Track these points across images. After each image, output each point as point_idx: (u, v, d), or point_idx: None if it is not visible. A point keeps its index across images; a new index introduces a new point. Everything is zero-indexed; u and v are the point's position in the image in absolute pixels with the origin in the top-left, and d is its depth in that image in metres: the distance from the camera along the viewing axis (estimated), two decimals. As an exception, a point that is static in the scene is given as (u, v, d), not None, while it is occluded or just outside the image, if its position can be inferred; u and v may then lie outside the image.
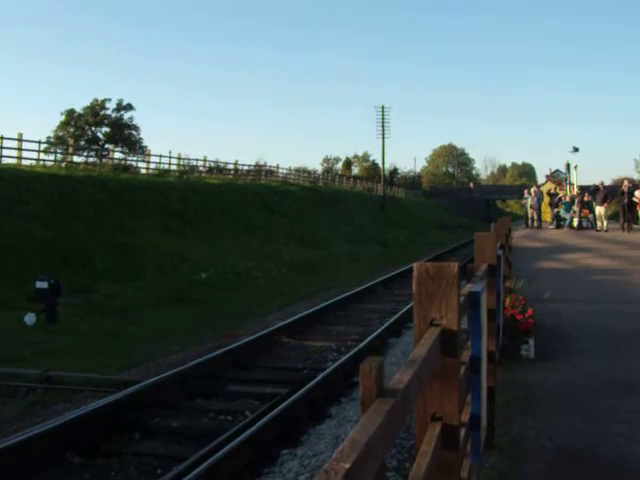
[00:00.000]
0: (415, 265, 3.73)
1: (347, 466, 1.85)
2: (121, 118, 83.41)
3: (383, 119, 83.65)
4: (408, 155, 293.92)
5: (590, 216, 38.45)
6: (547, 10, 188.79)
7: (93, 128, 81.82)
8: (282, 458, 7.67)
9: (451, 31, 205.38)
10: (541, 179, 77.31)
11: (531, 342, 10.41)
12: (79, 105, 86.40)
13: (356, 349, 12.87)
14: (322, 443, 7.81)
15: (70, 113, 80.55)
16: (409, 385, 2.62)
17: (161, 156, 50.08)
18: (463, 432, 4.22)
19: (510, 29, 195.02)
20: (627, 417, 7.63)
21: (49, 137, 74.38)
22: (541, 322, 11.82)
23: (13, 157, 35.68)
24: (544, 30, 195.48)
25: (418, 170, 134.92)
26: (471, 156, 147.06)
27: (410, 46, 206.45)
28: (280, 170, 70.13)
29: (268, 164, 72.62)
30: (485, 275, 6.39)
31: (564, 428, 7.33)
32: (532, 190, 43.48)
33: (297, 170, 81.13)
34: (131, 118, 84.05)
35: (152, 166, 49.10)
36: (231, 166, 61.95)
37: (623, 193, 34.78)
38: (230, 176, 57.84)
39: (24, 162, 35.94)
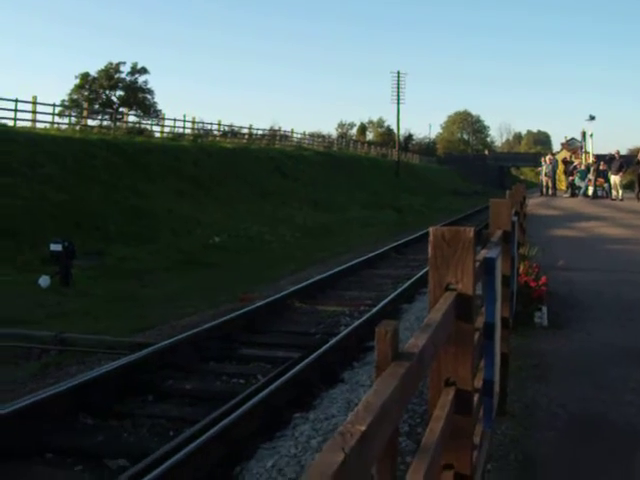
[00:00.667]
0: (431, 229, 3.71)
1: (363, 428, 1.84)
2: (135, 82, 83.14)
3: (398, 85, 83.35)
4: (423, 121, 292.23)
5: (605, 185, 38.26)
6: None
7: (107, 92, 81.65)
8: (294, 422, 7.71)
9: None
10: (556, 147, 76.85)
11: (544, 309, 10.40)
12: (94, 68, 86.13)
13: (369, 314, 12.84)
14: (334, 407, 7.84)
15: (85, 76, 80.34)
16: (424, 349, 2.61)
17: (175, 120, 50.08)
18: (476, 398, 4.22)
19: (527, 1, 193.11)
20: (638, 386, 7.63)
21: (63, 100, 74.35)
22: (554, 290, 11.81)
23: (28, 120, 35.73)
24: (562, 3, 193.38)
25: (433, 137, 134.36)
26: (486, 123, 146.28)
27: (427, 12, 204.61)
28: (294, 135, 69.87)
29: (283, 129, 72.33)
30: (500, 241, 6.36)
31: (576, 396, 7.34)
32: (547, 158, 43.26)
33: (312, 135, 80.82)
34: (146, 82, 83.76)
35: (166, 130, 49.09)
36: (245, 130, 61.79)
37: (639, 162, 34.56)
38: (244, 140, 57.67)
39: (38, 125, 35.93)
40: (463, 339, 3.57)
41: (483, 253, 5.03)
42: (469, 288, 3.60)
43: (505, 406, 6.60)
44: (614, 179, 35.92)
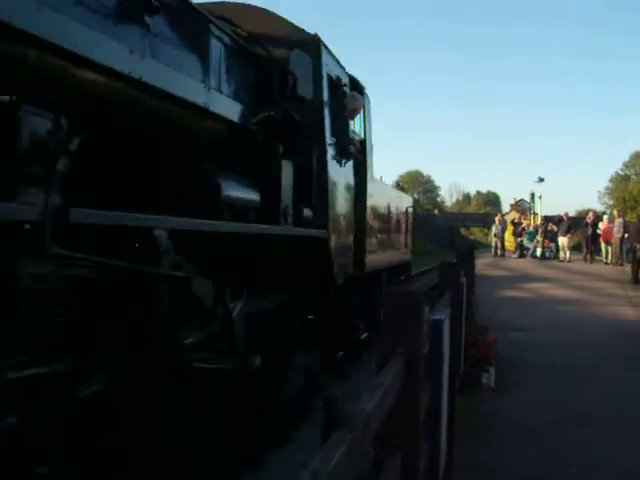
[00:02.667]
0: (384, 292, 3.70)
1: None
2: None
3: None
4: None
5: (552, 245, 38.74)
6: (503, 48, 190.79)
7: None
8: None
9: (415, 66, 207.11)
10: (506, 208, 77.78)
11: (492, 371, 10.42)
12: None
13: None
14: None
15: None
16: (371, 415, 2.59)
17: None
18: (423, 465, 4.19)
19: (466, 67, 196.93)
20: (584, 448, 7.66)
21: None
22: (502, 351, 11.85)
23: None
24: (512, 71, 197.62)
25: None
26: (437, 183, 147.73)
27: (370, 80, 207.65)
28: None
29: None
30: (448, 303, 6.39)
31: (522, 459, 7.33)
32: (496, 219, 43.77)
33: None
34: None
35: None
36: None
37: (587, 225, 35.14)
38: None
39: None
40: (412, 404, 3.55)
41: (431, 314, 5.04)
42: (418, 350, 3.59)
43: (452, 470, 6.56)
44: (562, 240, 36.40)
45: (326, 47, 9.15)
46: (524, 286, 23.94)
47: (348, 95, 9.81)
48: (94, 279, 4.48)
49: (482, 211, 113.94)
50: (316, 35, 8.95)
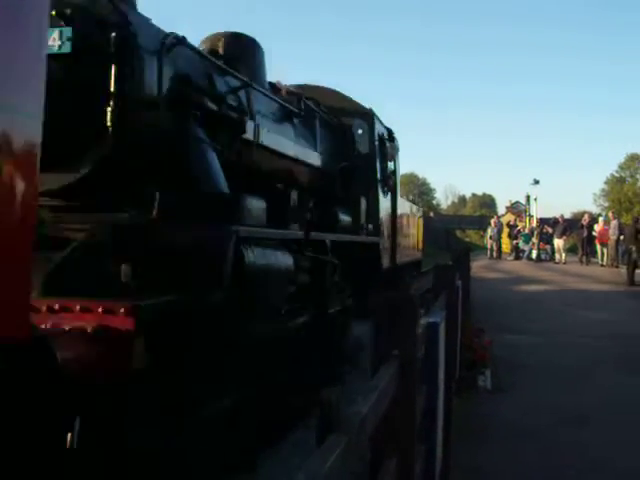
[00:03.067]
0: (378, 296, 3.71)
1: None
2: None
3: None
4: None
5: (548, 248, 38.76)
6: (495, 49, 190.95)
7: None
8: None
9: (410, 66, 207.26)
10: (501, 210, 77.83)
11: (488, 373, 10.43)
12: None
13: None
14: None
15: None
16: (366, 417, 2.59)
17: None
18: (418, 466, 4.19)
19: (463, 68, 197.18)
20: (580, 450, 7.67)
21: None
22: (499, 353, 11.87)
23: None
24: (507, 75, 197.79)
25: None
26: (432, 186, 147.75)
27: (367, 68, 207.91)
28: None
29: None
30: (444, 305, 6.39)
31: (520, 461, 7.33)
32: (492, 221, 43.78)
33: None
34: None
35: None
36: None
37: (582, 227, 35.16)
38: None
39: None
40: (407, 407, 3.55)
41: (427, 317, 5.04)
42: (413, 353, 3.59)
43: (448, 473, 6.56)
44: (558, 242, 36.42)
45: (376, 116, 13.29)
46: (520, 288, 23.94)
47: (388, 146, 13.92)
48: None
49: (477, 213, 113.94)
50: (371, 109, 13.15)
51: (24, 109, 2.98)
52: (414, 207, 20.09)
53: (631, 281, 24.03)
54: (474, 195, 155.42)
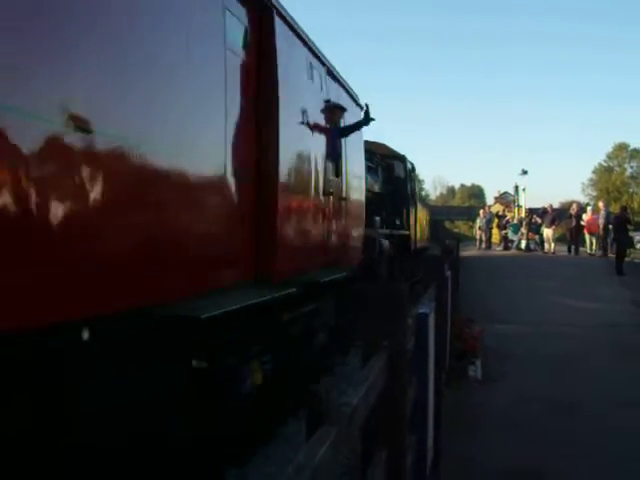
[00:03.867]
0: (367, 287, 3.71)
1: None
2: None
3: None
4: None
5: (537, 237, 38.77)
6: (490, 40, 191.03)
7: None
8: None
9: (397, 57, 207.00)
10: (490, 200, 77.85)
11: (478, 363, 10.45)
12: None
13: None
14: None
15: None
16: (356, 409, 2.59)
17: None
18: (410, 458, 4.20)
19: (453, 60, 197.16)
20: (570, 438, 7.70)
21: None
22: (489, 343, 11.89)
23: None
24: (495, 64, 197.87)
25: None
26: (420, 177, 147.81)
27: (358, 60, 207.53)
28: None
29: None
30: (433, 296, 6.39)
31: (510, 450, 7.35)
32: (481, 212, 43.78)
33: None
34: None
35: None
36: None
37: (571, 216, 35.17)
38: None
39: None
40: (396, 396, 3.56)
41: (416, 308, 5.04)
42: (402, 345, 3.59)
43: (439, 463, 6.57)
44: (547, 232, 36.42)
45: (406, 157, 21.83)
46: (509, 278, 23.96)
47: (412, 175, 23.17)
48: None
49: (466, 204, 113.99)
50: (404, 155, 21.80)
51: None
52: (426, 209, 30.54)
53: (619, 270, 24.07)
54: (463, 186, 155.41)
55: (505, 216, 44.38)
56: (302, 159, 9.19)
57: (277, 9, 8.19)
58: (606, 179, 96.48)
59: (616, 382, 10.23)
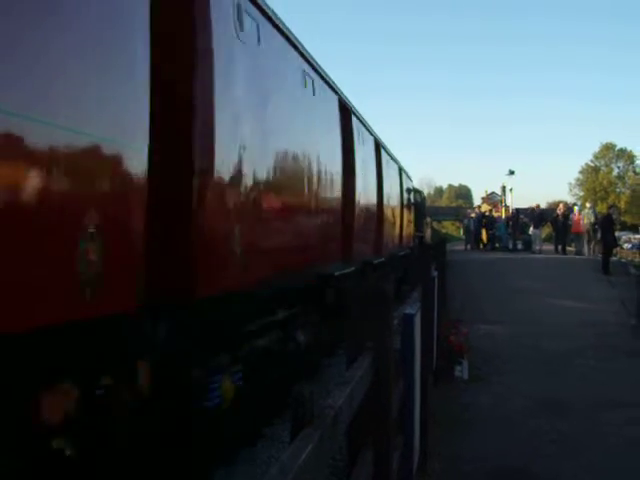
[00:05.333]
0: (351, 286, 3.72)
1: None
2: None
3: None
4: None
5: (524, 237, 38.90)
6: (481, 39, 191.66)
7: None
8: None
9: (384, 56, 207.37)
10: (477, 201, 78.18)
11: (465, 363, 10.46)
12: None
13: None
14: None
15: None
16: (340, 410, 2.59)
17: None
18: (396, 457, 4.20)
19: (441, 58, 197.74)
20: (556, 437, 7.72)
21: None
22: (475, 343, 11.92)
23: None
24: (481, 62, 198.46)
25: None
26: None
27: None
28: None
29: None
30: (420, 297, 6.40)
31: (497, 449, 7.37)
32: (473, 213, 44.04)
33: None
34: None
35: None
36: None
37: (558, 216, 35.29)
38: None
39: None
40: (382, 398, 3.56)
41: (402, 309, 5.05)
42: (387, 347, 3.60)
43: (426, 463, 6.59)
44: (534, 232, 36.55)
45: (421, 191, 40.58)
46: (497, 278, 24.00)
47: (422, 198, 39.32)
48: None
49: (454, 204, 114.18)
50: (422, 192, 43.13)
51: None
52: (429, 219, 46.22)
53: (605, 269, 24.14)
54: (450, 186, 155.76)
55: (492, 216, 44.49)
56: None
57: None
58: (593, 179, 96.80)
59: (603, 381, 10.27)
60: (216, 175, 6.15)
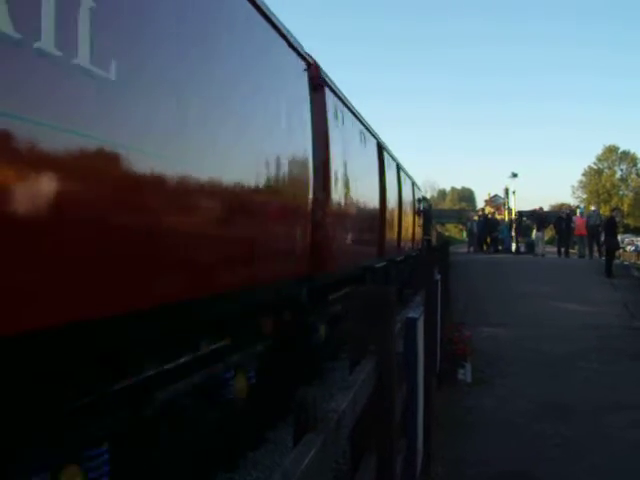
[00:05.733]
0: (352, 290, 3.70)
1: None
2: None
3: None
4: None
5: (527, 240, 38.91)
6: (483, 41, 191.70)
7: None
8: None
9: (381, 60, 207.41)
10: (480, 203, 78.27)
11: (468, 366, 10.45)
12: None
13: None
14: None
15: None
16: (343, 414, 2.59)
17: None
18: (400, 461, 4.19)
19: (444, 62, 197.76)
20: (560, 441, 7.70)
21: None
22: (478, 346, 11.90)
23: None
24: (487, 62, 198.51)
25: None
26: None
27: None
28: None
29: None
30: (423, 300, 6.39)
31: (500, 453, 7.35)
32: (476, 216, 44.12)
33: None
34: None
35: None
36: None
37: (561, 219, 35.28)
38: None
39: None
40: (385, 402, 3.55)
41: (405, 313, 5.04)
42: (390, 350, 3.59)
43: (430, 466, 6.57)
44: (537, 235, 36.56)
45: (428, 199, 51.72)
46: (499, 281, 23.98)
47: (430, 208, 43.11)
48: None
49: (457, 207, 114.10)
50: (430, 200, 54.03)
51: None
52: (435, 224, 51.44)
53: (609, 272, 24.11)
54: (453, 189, 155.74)
55: (495, 219, 44.50)
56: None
57: None
58: (596, 182, 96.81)
59: (607, 384, 10.25)
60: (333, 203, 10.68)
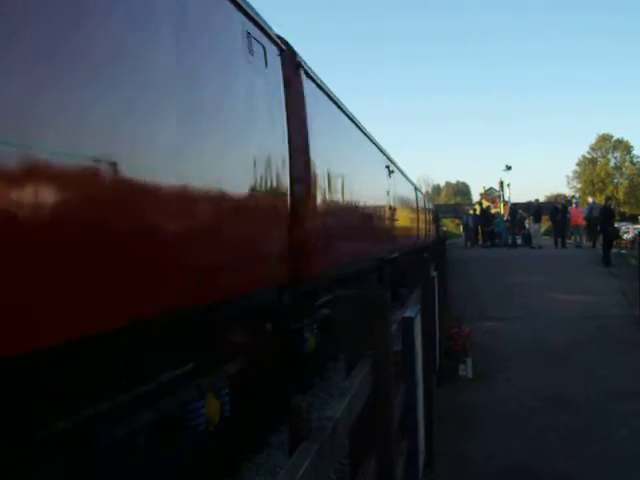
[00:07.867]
0: (346, 293, 3.67)
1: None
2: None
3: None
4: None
5: (523, 232, 38.91)
6: (474, 36, 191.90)
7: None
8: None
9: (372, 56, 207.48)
10: (476, 197, 78.27)
11: (468, 362, 10.42)
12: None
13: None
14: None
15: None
16: (339, 421, 2.56)
17: None
18: (401, 463, 4.16)
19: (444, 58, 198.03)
20: (562, 433, 7.68)
21: None
22: (478, 340, 11.87)
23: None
24: (477, 55, 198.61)
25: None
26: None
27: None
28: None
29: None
30: (419, 298, 6.36)
31: (503, 447, 7.33)
32: (471, 210, 44.17)
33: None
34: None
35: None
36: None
37: (557, 210, 35.25)
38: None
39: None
40: (382, 405, 3.52)
41: (401, 312, 5.01)
42: (386, 350, 3.56)
43: (433, 464, 6.54)
44: (533, 227, 36.56)
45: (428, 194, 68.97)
46: (497, 274, 23.97)
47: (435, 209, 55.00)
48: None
49: (452, 201, 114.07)
50: (430, 200, 52.11)
51: None
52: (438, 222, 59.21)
53: (606, 261, 24.09)
54: (448, 183, 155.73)
55: (489, 212, 44.52)
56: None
57: None
58: (590, 171, 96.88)
59: (608, 374, 10.23)
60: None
